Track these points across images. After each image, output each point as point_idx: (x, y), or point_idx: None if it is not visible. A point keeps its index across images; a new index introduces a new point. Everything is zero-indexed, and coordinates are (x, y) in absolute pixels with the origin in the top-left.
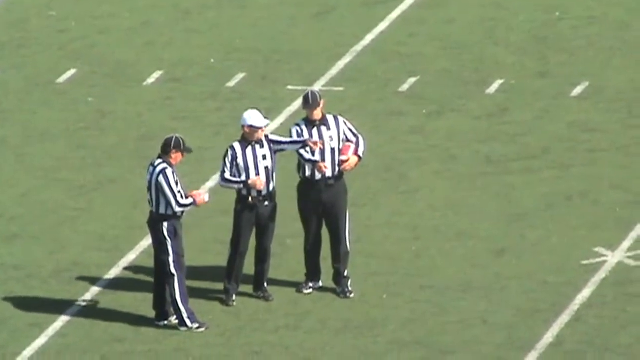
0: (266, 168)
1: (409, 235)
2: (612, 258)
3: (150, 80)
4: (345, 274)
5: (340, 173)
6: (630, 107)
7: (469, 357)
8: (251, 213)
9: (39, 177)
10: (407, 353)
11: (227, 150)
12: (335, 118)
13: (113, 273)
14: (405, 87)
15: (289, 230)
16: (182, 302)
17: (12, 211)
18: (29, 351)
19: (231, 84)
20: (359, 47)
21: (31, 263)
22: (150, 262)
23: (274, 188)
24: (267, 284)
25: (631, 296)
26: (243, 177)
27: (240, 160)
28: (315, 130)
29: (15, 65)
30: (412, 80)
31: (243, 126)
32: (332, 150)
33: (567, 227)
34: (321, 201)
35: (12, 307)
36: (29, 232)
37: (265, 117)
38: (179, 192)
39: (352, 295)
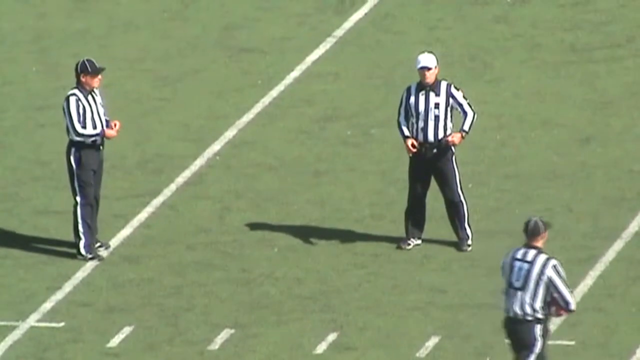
0: (436, 117)
1: (493, 124)
2: None
3: None
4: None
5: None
6: None
7: (555, 246)
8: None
9: (123, 68)
10: (493, 242)
11: (404, 92)
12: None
13: (198, 164)
14: None
15: (374, 119)
16: None
17: None
18: (114, 242)
19: None
20: None
21: (115, 154)
22: (235, 153)
23: (443, 137)
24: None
25: None
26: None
27: (412, 101)
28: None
29: None
30: None
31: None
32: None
33: None
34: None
35: None
36: None
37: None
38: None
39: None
